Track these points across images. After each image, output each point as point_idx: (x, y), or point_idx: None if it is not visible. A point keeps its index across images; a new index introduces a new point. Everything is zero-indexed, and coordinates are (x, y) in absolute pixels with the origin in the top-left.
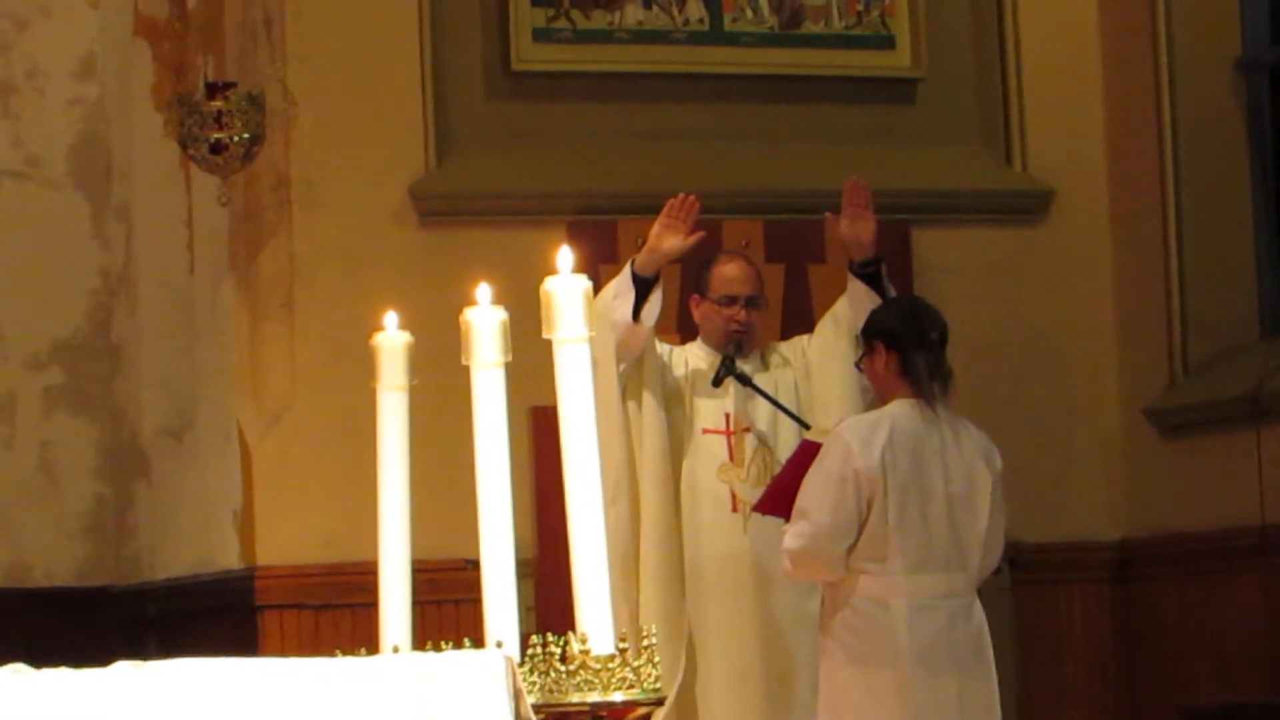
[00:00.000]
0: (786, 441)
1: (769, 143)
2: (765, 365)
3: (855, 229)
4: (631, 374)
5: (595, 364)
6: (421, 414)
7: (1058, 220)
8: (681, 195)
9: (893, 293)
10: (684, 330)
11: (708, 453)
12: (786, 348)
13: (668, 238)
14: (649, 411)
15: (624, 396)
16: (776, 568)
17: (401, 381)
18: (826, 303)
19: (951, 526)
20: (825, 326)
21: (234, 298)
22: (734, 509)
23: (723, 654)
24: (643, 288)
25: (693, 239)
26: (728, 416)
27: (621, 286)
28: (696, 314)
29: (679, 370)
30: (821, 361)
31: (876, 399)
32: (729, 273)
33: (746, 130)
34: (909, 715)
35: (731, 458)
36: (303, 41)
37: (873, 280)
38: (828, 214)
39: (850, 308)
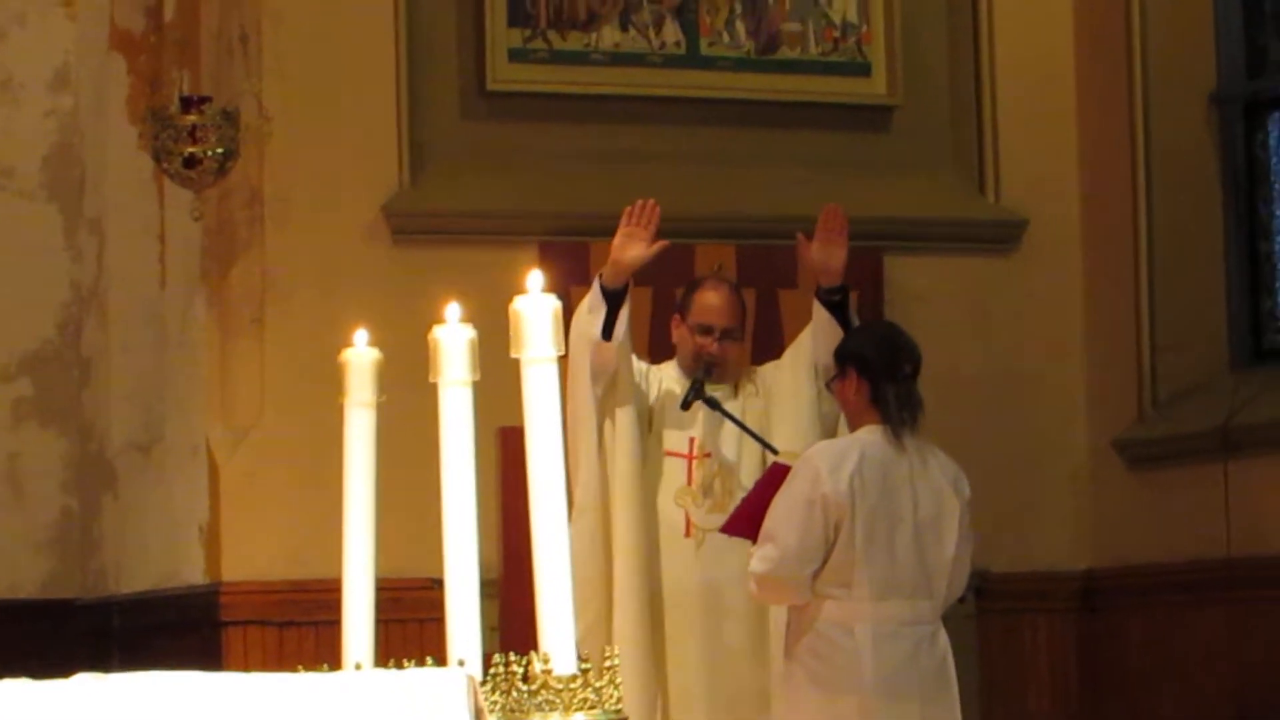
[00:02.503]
0: (751, 468)
1: (743, 167)
2: (735, 392)
3: (826, 254)
4: (606, 395)
5: (572, 377)
6: (389, 431)
7: (1030, 250)
8: (640, 201)
9: (856, 321)
10: (654, 352)
11: (667, 475)
12: (760, 374)
13: (630, 248)
14: (623, 431)
15: (600, 415)
16: (729, 593)
17: (369, 398)
18: (797, 328)
19: (918, 554)
20: (790, 353)
21: (205, 312)
22: (687, 534)
23: (671, 678)
24: (613, 300)
25: (656, 247)
26: (692, 440)
27: (594, 301)
28: (675, 335)
29: (653, 391)
30: (782, 389)
31: (845, 421)
32: (710, 300)
33: (721, 154)
34: None
35: (689, 482)
36: (278, 58)
37: (837, 309)
38: (800, 234)
39: (812, 337)
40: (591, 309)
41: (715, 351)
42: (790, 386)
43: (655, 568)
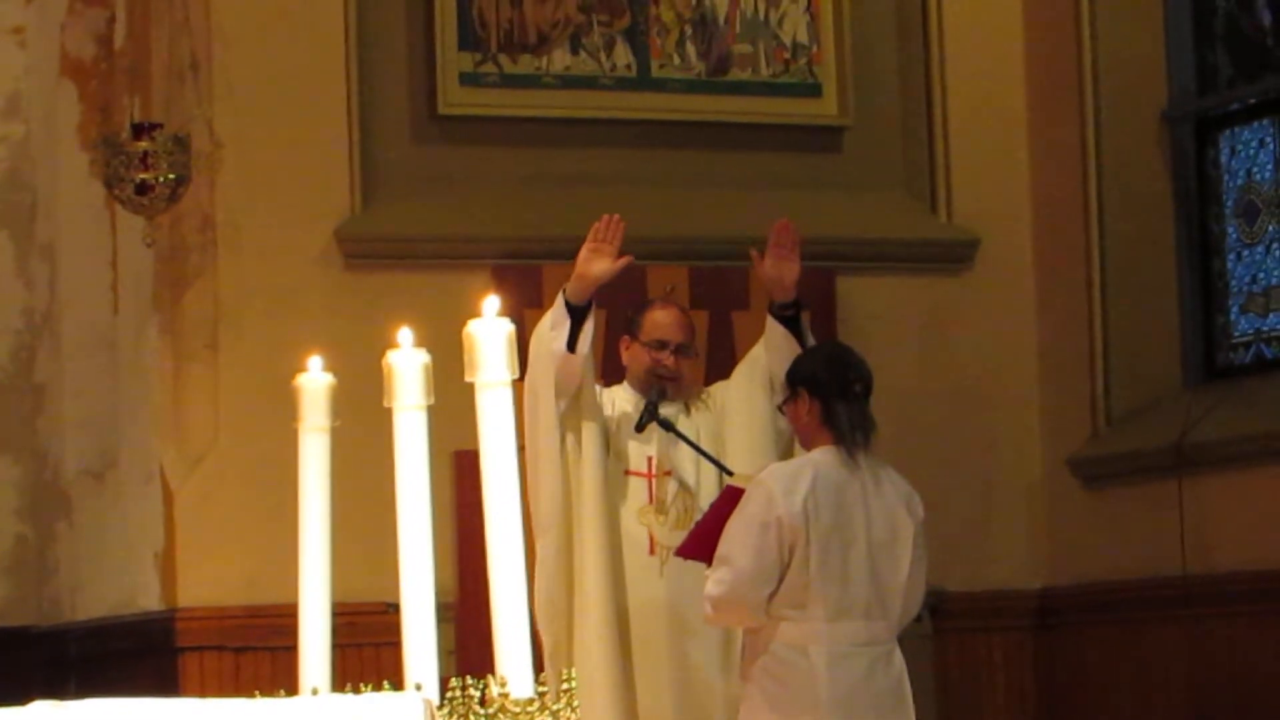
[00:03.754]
0: (708, 486)
1: (695, 189)
2: (687, 411)
3: (779, 269)
4: (570, 410)
5: (535, 394)
6: (343, 456)
7: (982, 269)
8: (606, 217)
9: (810, 337)
10: (606, 375)
11: (629, 494)
12: (712, 392)
13: (596, 262)
14: (587, 448)
15: (563, 433)
16: (692, 612)
17: (323, 423)
18: (750, 349)
19: (872, 574)
20: (741, 370)
21: (158, 339)
22: (651, 552)
23: (640, 697)
24: (577, 315)
25: (621, 262)
26: (650, 460)
27: (557, 316)
28: (625, 356)
29: (607, 411)
30: (736, 405)
31: (799, 443)
32: (662, 318)
33: (673, 176)
34: None
35: (652, 500)
36: (229, 83)
37: (791, 323)
38: (753, 250)
39: (767, 351)
40: (555, 324)
41: (672, 365)
42: (744, 402)
43: (620, 586)
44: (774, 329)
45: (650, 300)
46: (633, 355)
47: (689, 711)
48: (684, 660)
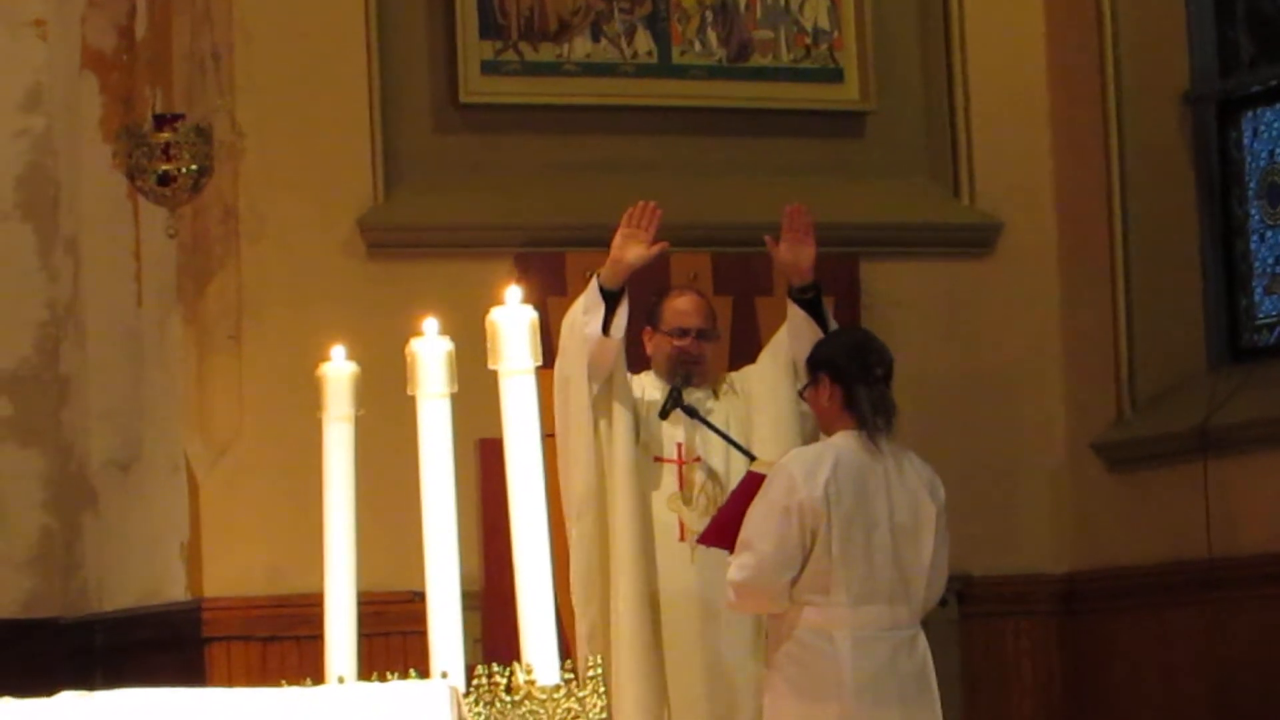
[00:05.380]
0: (737, 473)
1: (717, 175)
2: (715, 396)
3: (794, 253)
4: (601, 395)
5: (567, 380)
6: (368, 445)
7: (1005, 253)
8: (642, 203)
9: (831, 319)
10: (633, 366)
11: (660, 481)
12: (738, 379)
13: (630, 248)
14: (618, 433)
15: (595, 418)
16: (722, 599)
17: (347, 412)
18: (774, 335)
19: (895, 559)
20: (766, 355)
21: (181, 330)
22: (681, 538)
23: (673, 683)
24: (610, 301)
25: (656, 248)
26: (679, 446)
27: (590, 301)
28: (649, 346)
29: (636, 396)
30: (761, 390)
31: (819, 428)
32: (681, 305)
33: (695, 163)
34: None
35: (681, 487)
36: (251, 74)
37: (811, 306)
38: (767, 237)
39: (789, 335)
40: (587, 309)
41: (695, 350)
42: (770, 388)
43: (651, 572)
44: (794, 313)
45: (666, 289)
46: (656, 345)
47: (719, 697)
48: (714, 646)
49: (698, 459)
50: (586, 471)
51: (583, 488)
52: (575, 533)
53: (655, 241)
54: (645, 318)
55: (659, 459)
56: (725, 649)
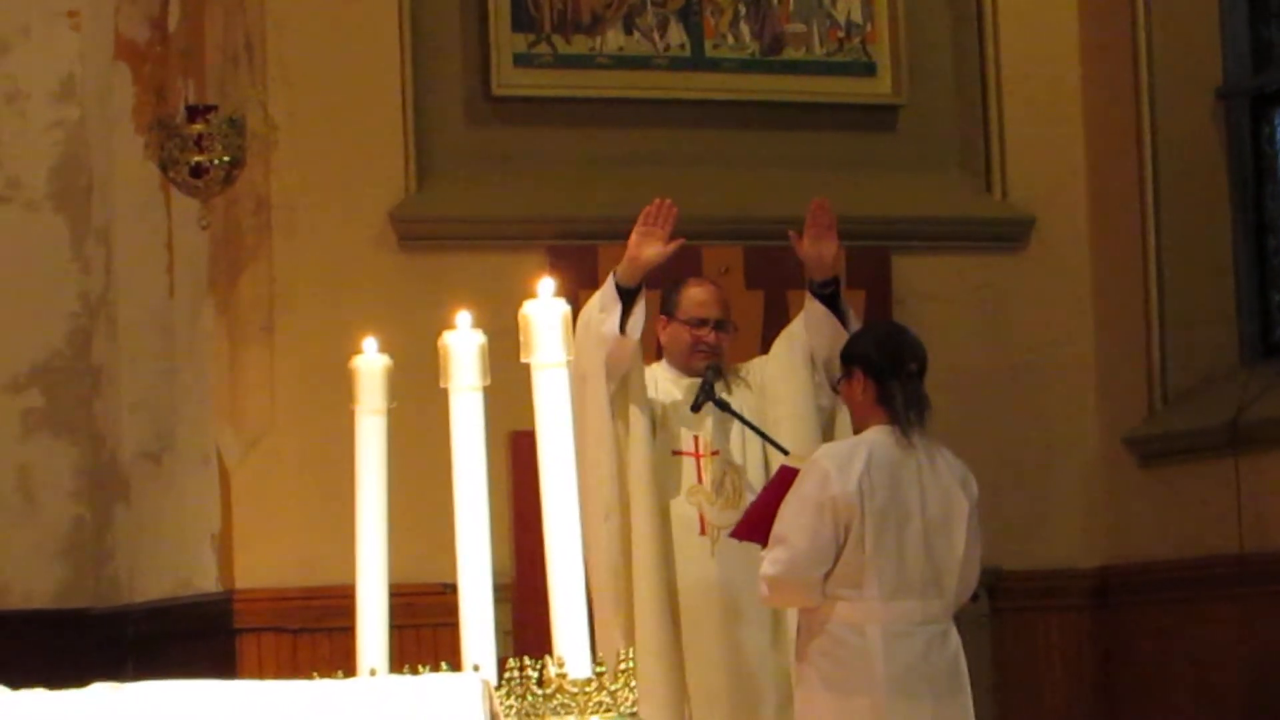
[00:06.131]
0: (756, 465)
1: (750, 169)
2: (729, 389)
3: (817, 248)
4: (618, 392)
5: (584, 378)
6: (400, 438)
7: (1037, 248)
8: (657, 201)
9: (850, 312)
10: (654, 355)
11: (678, 474)
12: (748, 370)
13: (647, 246)
14: (637, 429)
15: (613, 414)
16: (743, 591)
17: (380, 405)
18: (785, 327)
19: (928, 553)
20: (780, 347)
21: (214, 321)
22: (702, 531)
23: (693, 677)
24: (626, 299)
25: (672, 246)
26: (696, 439)
27: (606, 299)
28: (663, 336)
29: (650, 391)
30: (776, 381)
31: (852, 422)
32: (699, 295)
33: (727, 156)
34: None
35: (700, 479)
36: (283, 65)
37: (831, 301)
38: (791, 231)
39: (806, 328)
40: (604, 307)
41: (713, 341)
42: (787, 379)
43: (672, 567)
44: (814, 307)
45: (683, 278)
46: (672, 334)
47: (740, 691)
48: (735, 640)
49: (716, 452)
50: (609, 471)
51: (608, 488)
52: (603, 535)
53: (672, 238)
54: (659, 306)
55: (677, 452)
56: (746, 642)
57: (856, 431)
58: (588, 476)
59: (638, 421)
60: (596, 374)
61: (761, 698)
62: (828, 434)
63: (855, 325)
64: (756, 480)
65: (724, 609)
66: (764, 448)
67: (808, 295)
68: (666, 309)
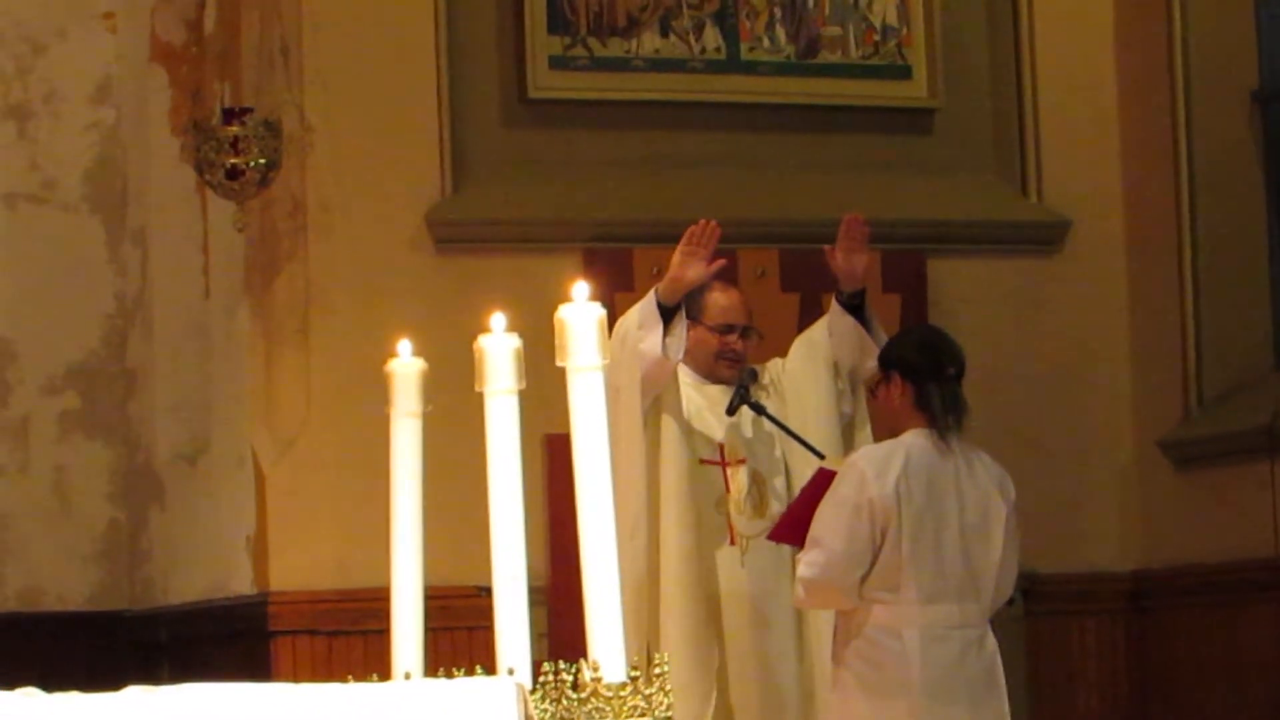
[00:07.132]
0: (781, 472)
1: (785, 172)
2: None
3: (850, 262)
4: (651, 407)
5: (617, 390)
6: (435, 440)
7: (1073, 251)
8: (702, 222)
9: (875, 320)
10: None
11: (705, 484)
12: (764, 371)
13: (690, 267)
14: (667, 442)
15: (645, 426)
16: (773, 600)
17: (415, 408)
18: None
19: (965, 557)
20: (800, 353)
21: (249, 323)
22: (731, 541)
23: (729, 688)
24: (666, 316)
25: (714, 267)
26: (721, 447)
27: (646, 316)
28: (688, 340)
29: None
30: (800, 388)
31: (890, 426)
32: (725, 301)
33: (763, 159)
34: None
35: (728, 489)
36: (319, 68)
37: (857, 312)
38: (826, 247)
39: (831, 337)
40: (643, 324)
41: (740, 348)
42: (809, 385)
43: (701, 577)
44: (840, 318)
45: (708, 283)
46: (696, 339)
47: (767, 700)
48: (764, 650)
49: (742, 460)
50: (639, 488)
51: (635, 504)
52: (629, 552)
53: (714, 259)
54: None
55: (704, 461)
56: (772, 650)
57: (880, 438)
58: (616, 492)
59: (671, 433)
60: (631, 388)
61: (787, 706)
62: (848, 441)
63: (880, 334)
64: (782, 488)
65: (754, 619)
66: (787, 455)
67: (834, 305)
68: (690, 313)
